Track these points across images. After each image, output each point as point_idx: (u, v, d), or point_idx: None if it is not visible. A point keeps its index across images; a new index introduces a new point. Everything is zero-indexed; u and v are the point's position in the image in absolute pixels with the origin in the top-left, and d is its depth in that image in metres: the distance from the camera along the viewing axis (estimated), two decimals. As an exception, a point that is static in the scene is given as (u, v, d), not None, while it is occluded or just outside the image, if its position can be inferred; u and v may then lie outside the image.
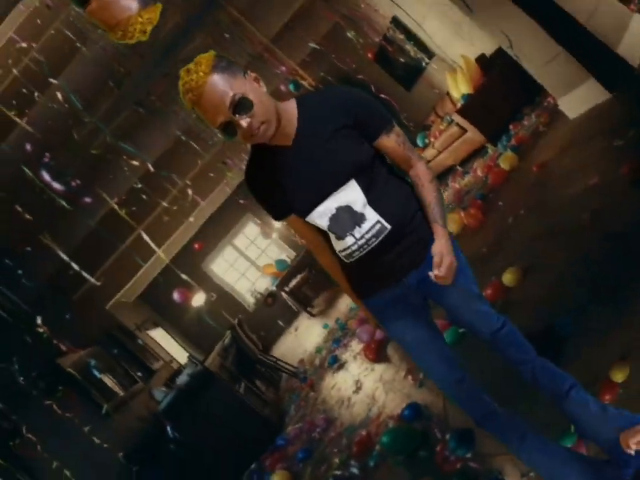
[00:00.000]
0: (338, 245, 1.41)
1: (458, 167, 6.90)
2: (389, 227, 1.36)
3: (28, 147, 3.28)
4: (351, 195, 1.35)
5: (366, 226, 1.35)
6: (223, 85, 1.21)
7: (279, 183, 1.37)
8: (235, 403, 4.59)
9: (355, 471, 2.65)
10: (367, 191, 1.35)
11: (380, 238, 1.36)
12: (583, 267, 2.29)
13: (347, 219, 1.35)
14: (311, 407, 4.48)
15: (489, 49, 6.13)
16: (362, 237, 1.36)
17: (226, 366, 5.25)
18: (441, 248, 1.36)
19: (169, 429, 3.63)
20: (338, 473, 2.80)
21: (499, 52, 4.73)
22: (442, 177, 7.62)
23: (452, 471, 1.95)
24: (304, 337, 7.87)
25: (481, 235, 4.02)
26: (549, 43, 3.81)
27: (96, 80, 3.89)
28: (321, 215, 1.37)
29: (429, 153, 7.38)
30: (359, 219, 1.35)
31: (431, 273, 1.35)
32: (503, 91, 6.03)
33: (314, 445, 3.58)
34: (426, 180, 1.42)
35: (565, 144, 3.91)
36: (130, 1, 1.73)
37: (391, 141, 1.39)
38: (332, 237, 1.41)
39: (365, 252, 1.38)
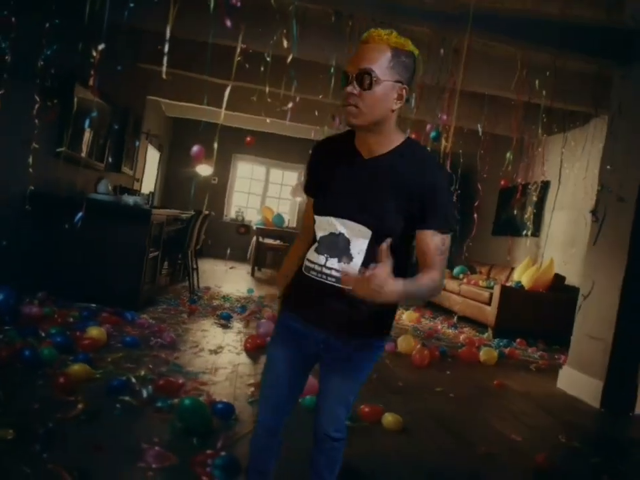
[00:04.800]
0: (311, 254, 1.42)
1: (455, 318, 6.92)
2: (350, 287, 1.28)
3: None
4: (359, 239, 1.33)
5: (342, 266, 1.33)
6: (379, 60, 1.24)
7: (333, 174, 1.39)
8: (135, 255, 4.59)
9: (143, 393, 2.65)
10: (372, 252, 1.28)
11: (338, 285, 1.33)
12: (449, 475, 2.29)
13: (338, 246, 1.35)
14: (173, 322, 4.48)
15: (572, 278, 6.14)
16: (330, 268, 1.35)
17: (162, 229, 5.25)
18: (384, 275, 1.13)
19: (79, 215, 3.61)
20: (133, 381, 2.80)
21: (574, 289, 4.80)
22: (440, 310, 7.63)
23: (197, 474, 1.95)
24: (228, 279, 7.89)
25: (409, 372, 4.03)
26: (608, 326, 3.82)
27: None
28: (327, 225, 1.37)
29: (451, 285, 7.39)
30: (346, 256, 1.34)
31: (370, 269, 1.15)
32: (544, 315, 6.04)
33: (142, 345, 3.58)
34: (431, 278, 1.30)
35: (532, 394, 3.92)
36: None
37: (432, 241, 1.30)
38: (316, 243, 1.42)
39: (317, 279, 1.38)
